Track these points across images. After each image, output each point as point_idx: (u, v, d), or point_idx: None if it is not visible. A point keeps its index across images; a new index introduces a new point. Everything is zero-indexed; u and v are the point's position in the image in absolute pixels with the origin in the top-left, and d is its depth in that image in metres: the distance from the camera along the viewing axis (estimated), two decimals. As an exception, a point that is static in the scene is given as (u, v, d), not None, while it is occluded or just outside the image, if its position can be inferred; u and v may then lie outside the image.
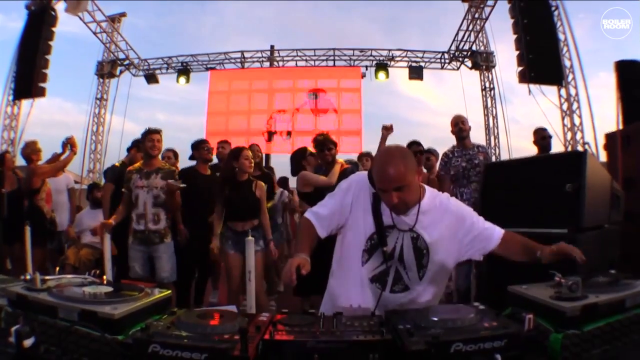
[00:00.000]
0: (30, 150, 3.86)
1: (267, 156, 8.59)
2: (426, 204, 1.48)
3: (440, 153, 4.12)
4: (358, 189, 1.53)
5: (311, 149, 3.77)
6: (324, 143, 3.61)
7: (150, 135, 3.27)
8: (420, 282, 1.49)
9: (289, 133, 9.28)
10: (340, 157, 3.88)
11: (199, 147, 3.83)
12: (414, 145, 3.98)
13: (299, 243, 1.50)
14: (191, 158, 3.95)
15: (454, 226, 1.50)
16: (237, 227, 3.20)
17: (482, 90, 9.70)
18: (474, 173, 3.64)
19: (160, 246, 3.19)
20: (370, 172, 1.48)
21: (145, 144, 3.28)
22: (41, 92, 8.21)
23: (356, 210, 1.52)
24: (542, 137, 4.15)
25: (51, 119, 17.65)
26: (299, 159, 3.70)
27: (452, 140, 3.88)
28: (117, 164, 3.94)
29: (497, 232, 1.51)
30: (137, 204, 3.20)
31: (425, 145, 4.30)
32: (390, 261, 1.48)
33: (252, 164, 3.32)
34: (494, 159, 7.78)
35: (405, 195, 1.40)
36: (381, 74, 9.32)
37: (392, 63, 9.60)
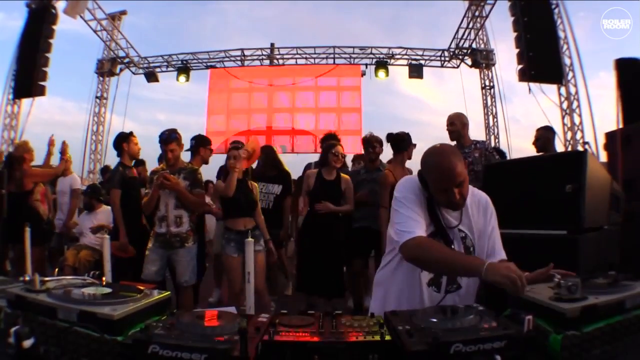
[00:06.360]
0: (23, 151, 3.83)
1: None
2: (469, 201, 1.51)
3: None
4: (419, 193, 1.49)
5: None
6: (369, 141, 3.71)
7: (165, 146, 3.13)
8: (469, 278, 1.50)
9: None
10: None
11: (205, 145, 3.71)
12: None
13: (464, 259, 1.38)
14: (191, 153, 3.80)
15: (488, 224, 1.54)
16: (238, 226, 3.13)
17: (482, 88, 9.70)
18: (467, 171, 3.60)
19: (181, 250, 3.06)
20: (421, 175, 1.48)
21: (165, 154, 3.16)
22: (41, 91, 8.22)
23: None
24: (547, 137, 3.97)
25: (51, 118, 17.70)
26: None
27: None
28: (121, 168, 3.68)
29: (499, 254, 1.52)
30: (159, 205, 3.07)
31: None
32: None
33: (237, 163, 3.15)
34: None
35: (464, 190, 1.43)
36: (381, 72, 9.30)
37: (392, 61, 9.59)
